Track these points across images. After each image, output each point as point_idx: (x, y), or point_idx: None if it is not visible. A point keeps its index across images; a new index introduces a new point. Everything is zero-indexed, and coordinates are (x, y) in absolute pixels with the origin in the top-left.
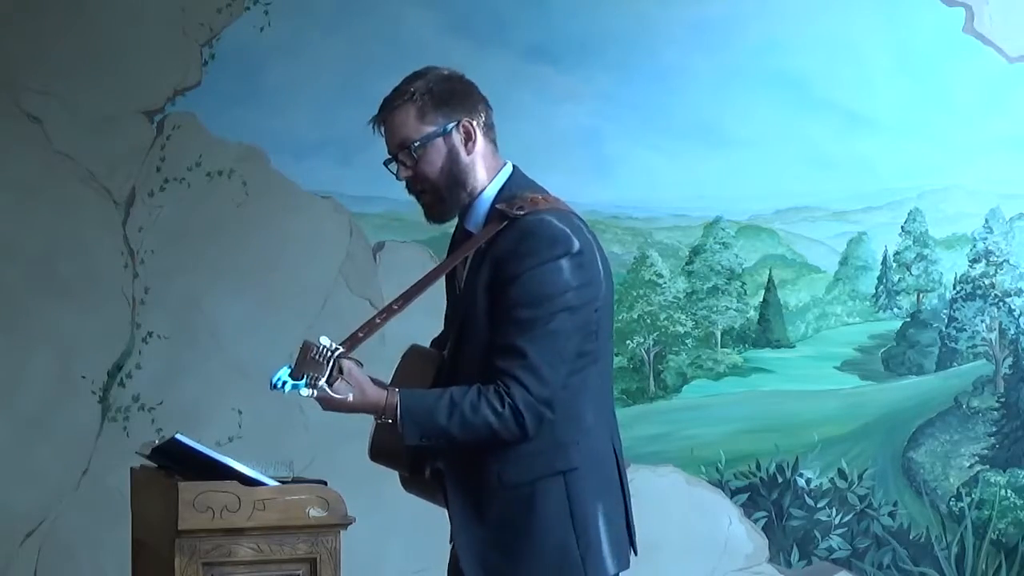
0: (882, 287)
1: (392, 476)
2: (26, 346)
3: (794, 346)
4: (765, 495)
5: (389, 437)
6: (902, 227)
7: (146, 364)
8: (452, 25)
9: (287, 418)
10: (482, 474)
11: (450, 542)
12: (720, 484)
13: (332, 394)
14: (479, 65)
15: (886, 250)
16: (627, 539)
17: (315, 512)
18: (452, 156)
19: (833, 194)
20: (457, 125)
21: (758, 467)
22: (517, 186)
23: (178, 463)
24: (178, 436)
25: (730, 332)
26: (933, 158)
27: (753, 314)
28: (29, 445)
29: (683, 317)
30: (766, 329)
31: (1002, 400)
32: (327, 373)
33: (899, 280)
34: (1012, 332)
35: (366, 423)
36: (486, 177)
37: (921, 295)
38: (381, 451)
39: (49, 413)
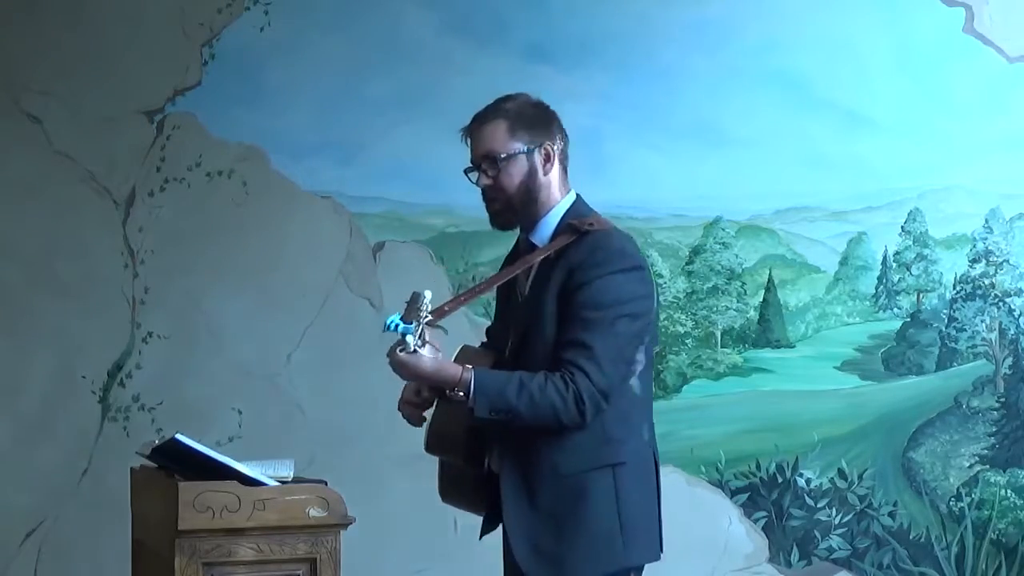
0: (882, 287)
1: (392, 476)
2: (26, 346)
3: (794, 346)
4: (765, 495)
5: (451, 421)
6: (902, 227)
7: (146, 364)
8: (452, 25)
9: (287, 418)
10: (538, 463)
11: (480, 537)
12: (720, 484)
13: (421, 358)
14: (479, 65)
15: (886, 250)
16: (659, 534)
17: (315, 512)
18: (531, 174)
19: (833, 194)
20: (540, 147)
21: (758, 467)
22: (581, 211)
23: (178, 463)
24: (178, 436)
25: (730, 332)
26: (933, 158)
27: (753, 314)
28: (29, 445)
29: (683, 317)
30: (766, 329)
31: (1002, 400)
32: (418, 335)
33: (899, 280)
34: (1012, 332)
35: (366, 423)
36: (555, 199)
37: (921, 295)
38: (440, 438)
39: (49, 413)
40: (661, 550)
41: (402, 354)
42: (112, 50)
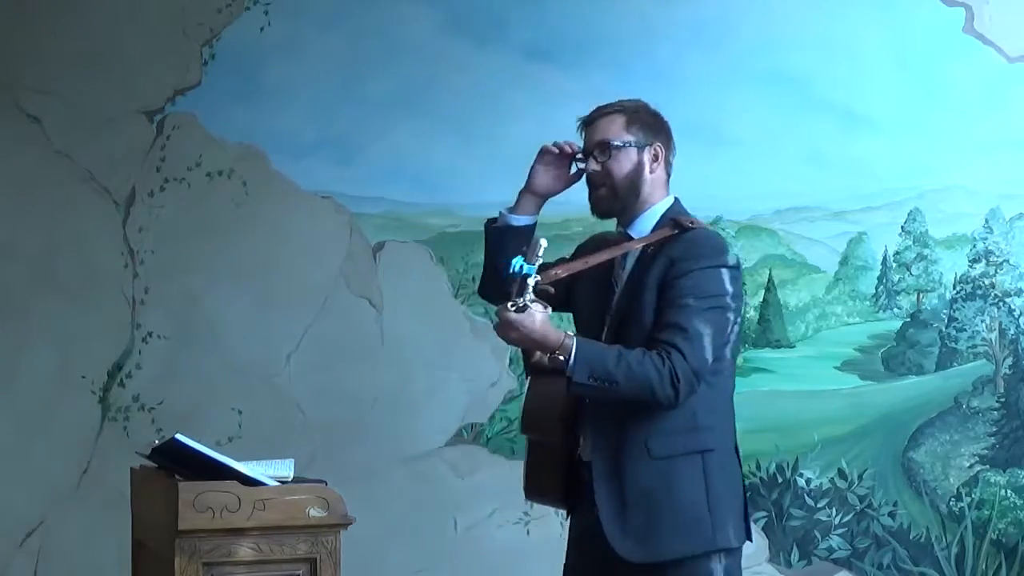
0: (882, 287)
1: (392, 476)
2: (26, 346)
3: (794, 346)
4: (765, 495)
5: (548, 393)
6: (902, 227)
7: (146, 364)
8: (451, 25)
9: (287, 418)
10: (631, 446)
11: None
12: None
13: (532, 315)
14: (478, 64)
15: (886, 250)
16: (745, 520)
17: (315, 512)
18: (638, 168)
19: (833, 194)
20: (650, 146)
21: (758, 467)
22: (680, 211)
23: (178, 463)
24: (178, 436)
25: None
26: (933, 158)
27: (753, 314)
28: (29, 445)
29: None
30: (766, 329)
31: (1002, 400)
32: (528, 291)
33: (899, 280)
34: (1012, 332)
35: (366, 423)
36: (656, 198)
37: (921, 295)
38: (535, 415)
39: (49, 413)
40: (749, 536)
41: (511, 312)
42: (112, 50)
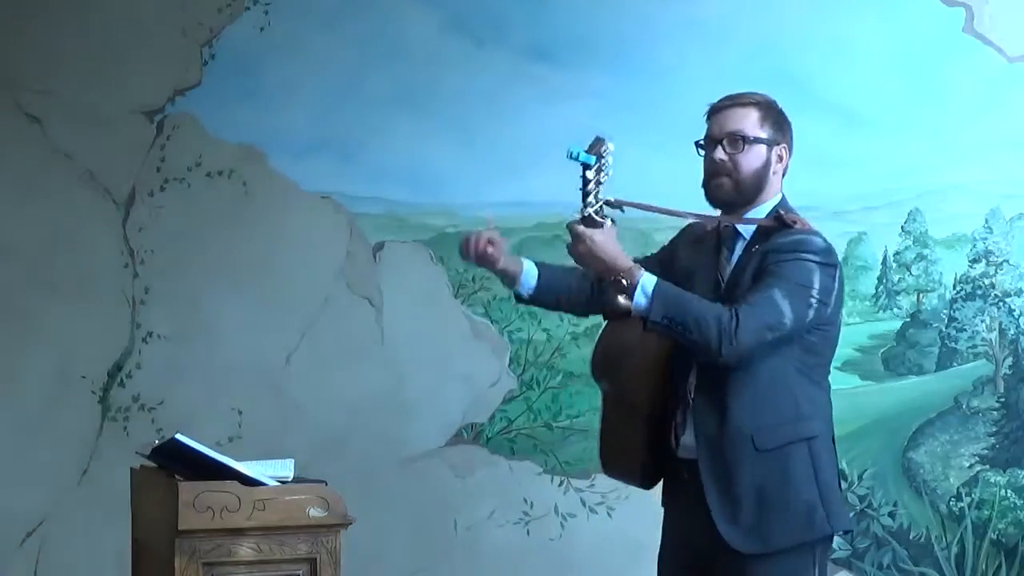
0: (882, 287)
1: (392, 476)
2: (26, 346)
3: None
4: None
5: (625, 340)
6: (902, 227)
7: (146, 364)
8: (451, 25)
9: (287, 418)
10: (737, 440)
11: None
12: None
13: (601, 231)
14: (478, 64)
15: (886, 250)
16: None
17: (315, 512)
18: (765, 165)
19: (833, 194)
20: (778, 145)
21: None
22: (788, 207)
23: (178, 463)
24: (178, 436)
25: None
26: (933, 158)
27: None
28: (29, 445)
29: None
30: None
31: (1002, 400)
32: (599, 203)
33: (899, 280)
34: (1012, 332)
35: (366, 423)
36: (770, 195)
37: (921, 295)
38: (610, 361)
39: (49, 413)
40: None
41: (583, 226)
42: (112, 50)
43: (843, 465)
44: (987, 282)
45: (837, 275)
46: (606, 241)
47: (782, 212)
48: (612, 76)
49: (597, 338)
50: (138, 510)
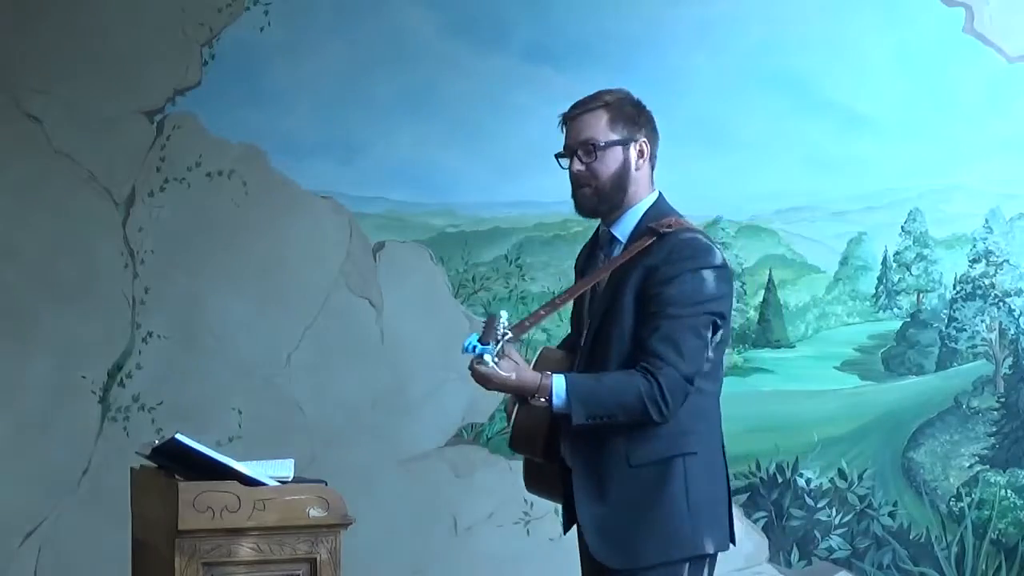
0: (882, 287)
1: (392, 476)
2: (26, 346)
3: (794, 346)
4: (765, 495)
5: (529, 422)
6: (902, 227)
7: (146, 364)
8: (452, 25)
9: (287, 418)
10: (611, 456)
11: (565, 531)
12: None
13: (498, 371)
14: (479, 65)
15: (886, 250)
16: (728, 526)
17: (315, 512)
18: (624, 166)
19: (833, 194)
20: (636, 142)
21: (758, 467)
22: (664, 210)
23: (178, 463)
24: (178, 436)
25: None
26: (933, 158)
27: (753, 314)
28: (29, 445)
29: None
30: (766, 329)
31: (1002, 400)
32: (495, 352)
33: (899, 280)
34: (1012, 332)
35: (366, 423)
36: (641, 194)
37: (921, 295)
38: (521, 438)
39: (49, 413)
40: (733, 540)
41: (482, 367)
42: (112, 50)
43: (843, 465)
44: (987, 282)
45: (727, 275)
46: (510, 370)
47: (653, 224)
48: (614, 77)
49: (515, 415)
50: (138, 510)
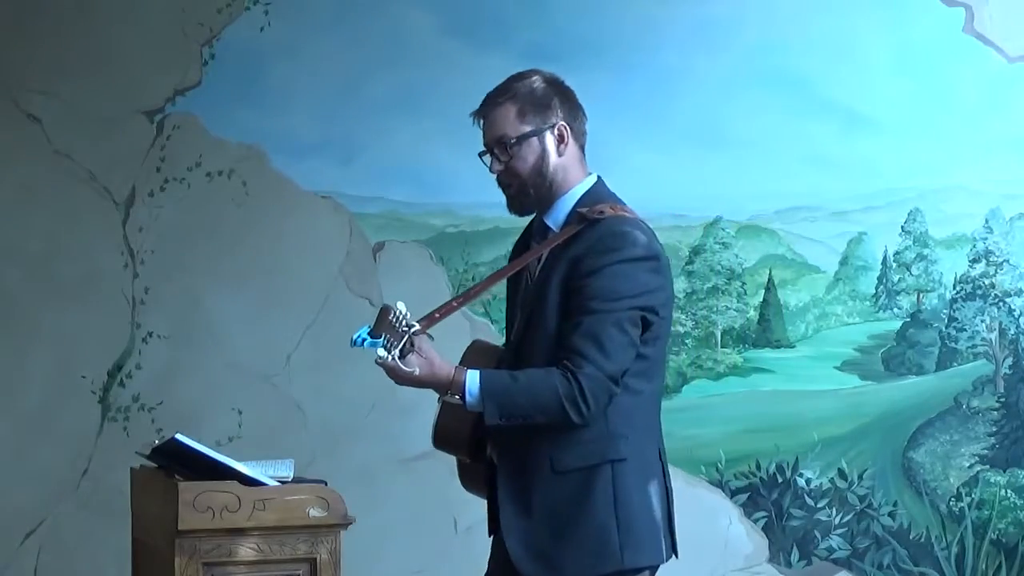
0: (882, 287)
1: (392, 476)
2: (26, 346)
3: (794, 346)
4: (765, 495)
5: (453, 421)
6: (902, 227)
7: (146, 364)
8: (452, 25)
9: (287, 418)
10: (535, 460)
11: (490, 534)
12: (720, 484)
13: (402, 366)
14: (479, 65)
15: (886, 250)
16: (668, 536)
17: (315, 512)
18: (544, 156)
19: (833, 194)
20: (552, 128)
21: (758, 467)
22: (599, 195)
23: (178, 463)
24: (178, 436)
25: (730, 332)
26: (933, 158)
27: (753, 314)
28: (29, 445)
29: (683, 317)
30: (766, 329)
31: (1002, 400)
32: (400, 346)
33: (899, 280)
34: (1012, 332)
35: (366, 423)
36: (572, 180)
37: (921, 295)
38: (445, 436)
39: (49, 413)
40: (673, 552)
41: (380, 362)
42: (112, 50)
43: (843, 465)
44: (987, 282)
45: (660, 266)
46: (422, 364)
47: (583, 210)
48: (614, 77)
49: (437, 412)
50: (138, 510)
